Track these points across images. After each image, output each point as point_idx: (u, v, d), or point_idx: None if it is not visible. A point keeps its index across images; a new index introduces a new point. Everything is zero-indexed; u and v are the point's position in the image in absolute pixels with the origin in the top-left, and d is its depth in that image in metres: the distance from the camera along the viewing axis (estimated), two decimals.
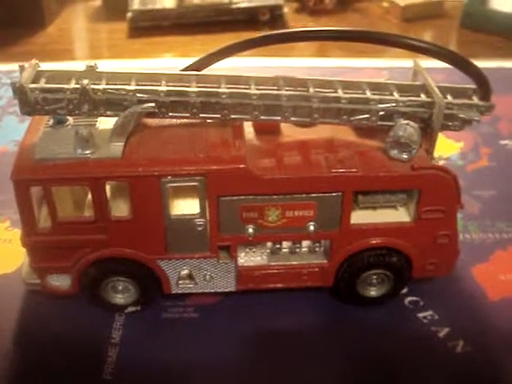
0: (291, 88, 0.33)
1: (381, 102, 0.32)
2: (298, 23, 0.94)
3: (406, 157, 0.32)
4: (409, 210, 0.34)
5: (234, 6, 0.91)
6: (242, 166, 0.30)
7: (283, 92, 0.31)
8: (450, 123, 0.33)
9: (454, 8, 0.96)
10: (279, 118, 0.32)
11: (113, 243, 0.32)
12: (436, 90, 0.32)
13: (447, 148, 0.53)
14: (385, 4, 0.99)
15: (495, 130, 0.61)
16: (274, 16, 0.92)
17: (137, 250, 0.33)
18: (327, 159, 0.32)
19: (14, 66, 0.72)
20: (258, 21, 0.91)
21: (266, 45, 0.35)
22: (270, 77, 0.33)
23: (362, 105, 0.32)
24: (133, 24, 0.93)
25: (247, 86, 0.32)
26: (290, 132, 0.34)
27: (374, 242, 0.34)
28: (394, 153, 0.32)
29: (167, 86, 0.31)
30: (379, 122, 0.32)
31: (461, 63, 0.33)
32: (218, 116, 0.31)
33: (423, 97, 0.33)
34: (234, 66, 0.78)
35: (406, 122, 0.31)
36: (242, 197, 0.31)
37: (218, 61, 0.35)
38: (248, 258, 0.35)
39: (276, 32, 0.35)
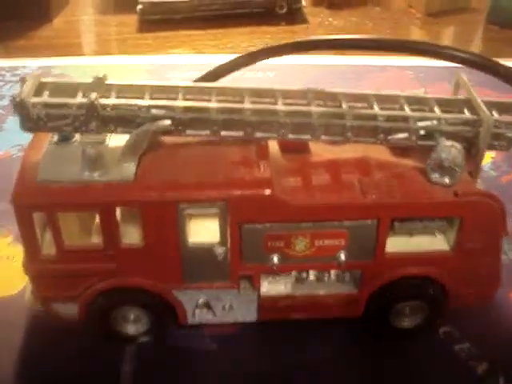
0: (322, 102, 0.30)
1: (421, 119, 0.29)
2: (316, 17, 0.91)
3: (448, 181, 0.29)
4: (448, 237, 0.31)
5: None
6: (267, 191, 0.28)
7: (313, 109, 0.29)
8: (497, 143, 0.31)
9: (481, 1, 0.93)
10: (309, 136, 0.29)
11: (123, 272, 0.30)
12: (482, 106, 0.30)
13: None
14: None
15: None
16: (292, 9, 0.89)
17: (149, 279, 0.31)
18: (361, 183, 0.29)
19: (17, 62, 0.70)
20: (274, 14, 0.88)
21: (296, 53, 0.33)
22: (298, 90, 0.30)
23: (401, 123, 0.29)
24: (143, 17, 0.90)
25: (273, 100, 0.30)
26: (319, 150, 0.32)
27: (410, 271, 0.32)
28: (435, 176, 0.29)
29: (185, 100, 0.29)
30: (419, 142, 0.30)
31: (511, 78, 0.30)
32: (241, 134, 0.29)
33: (467, 113, 0.30)
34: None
35: (449, 143, 0.28)
36: (267, 224, 0.29)
37: (239, 69, 0.32)
38: (271, 287, 0.32)
39: (310, 39, 0.32)
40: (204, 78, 0.33)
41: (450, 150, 0.29)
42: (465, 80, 0.32)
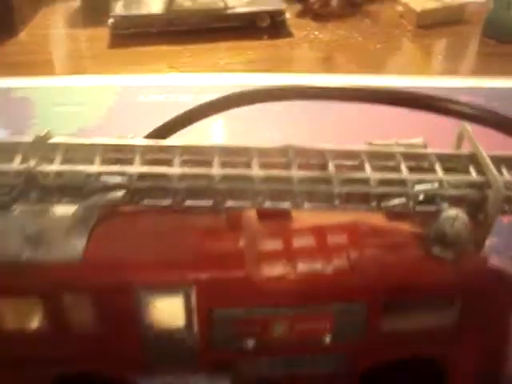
0: (304, 161, 0.26)
1: (420, 182, 0.26)
2: (302, 30, 0.88)
3: (451, 256, 0.25)
4: (450, 313, 0.27)
5: (230, 12, 0.84)
6: (239, 272, 0.24)
7: (294, 173, 0.25)
8: (508, 207, 0.27)
9: (477, 13, 0.90)
10: (289, 204, 0.25)
11: (74, 360, 0.27)
12: (490, 164, 0.26)
13: None
14: (399, 8, 0.92)
15: None
16: (275, 22, 0.85)
17: (104, 365, 0.27)
18: (350, 258, 0.26)
19: None
20: (256, 27, 0.84)
21: (274, 100, 0.29)
22: (277, 148, 0.27)
23: (397, 187, 0.26)
24: (115, 31, 0.86)
25: (248, 161, 0.26)
26: (302, 215, 0.27)
27: (404, 351, 0.28)
28: (436, 250, 0.25)
29: (142, 163, 0.25)
30: (418, 208, 0.26)
31: None
32: (209, 204, 0.25)
33: (473, 173, 0.27)
34: (221, 85, 0.71)
35: (453, 212, 0.25)
36: (241, 309, 0.26)
37: (198, 120, 0.29)
38: (246, 368, 0.28)
39: (294, 86, 0.28)
40: (159, 131, 0.29)
41: (454, 222, 0.25)
42: (469, 131, 0.28)
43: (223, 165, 0.26)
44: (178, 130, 0.29)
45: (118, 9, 0.91)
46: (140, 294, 0.25)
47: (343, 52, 0.88)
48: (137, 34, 0.89)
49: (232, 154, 0.27)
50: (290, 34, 0.90)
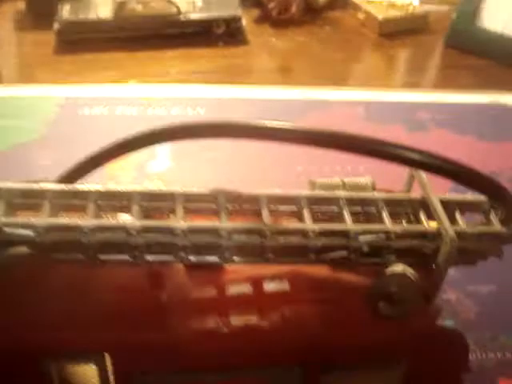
0: (236, 208, 0.24)
1: (364, 232, 0.23)
2: (259, 37, 0.85)
3: (397, 314, 0.23)
4: (394, 376, 0.25)
5: (184, 18, 0.82)
6: (159, 335, 0.22)
7: (223, 223, 0.23)
8: (461, 258, 0.25)
9: (439, 22, 0.89)
10: (217, 259, 0.23)
11: None
12: (441, 212, 0.24)
13: None
14: (360, 16, 0.91)
15: None
16: (231, 29, 0.83)
17: None
18: (284, 316, 0.23)
19: None
20: (211, 34, 0.82)
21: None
22: (205, 193, 0.24)
23: (338, 238, 0.23)
24: (61, 37, 0.83)
25: (171, 207, 0.23)
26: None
27: None
28: (381, 307, 0.23)
29: (51, 213, 0.22)
30: (362, 260, 0.24)
31: (491, 190, 0.24)
32: (126, 258, 0.22)
33: (424, 221, 0.24)
34: (169, 97, 0.69)
35: (399, 268, 0.23)
36: (163, 375, 0.23)
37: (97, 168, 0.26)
38: None
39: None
40: (72, 173, 0.27)
41: (400, 279, 0.23)
42: (421, 175, 0.26)
43: (143, 212, 0.23)
44: (90, 171, 0.27)
45: (65, 13, 0.87)
46: (47, 362, 0.22)
47: (301, 61, 0.86)
48: (84, 40, 0.86)
49: (154, 200, 0.24)
50: (246, 42, 0.87)
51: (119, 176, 0.54)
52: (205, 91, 0.70)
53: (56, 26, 0.86)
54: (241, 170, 0.56)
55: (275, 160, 0.55)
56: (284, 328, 0.25)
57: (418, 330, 0.25)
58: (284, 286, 0.26)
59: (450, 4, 0.91)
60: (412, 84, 0.81)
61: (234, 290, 0.26)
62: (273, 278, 0.26)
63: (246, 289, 0.26)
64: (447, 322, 0.40)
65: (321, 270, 0.27)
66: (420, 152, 0.25)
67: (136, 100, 0.68)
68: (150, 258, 0.24)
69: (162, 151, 0.58)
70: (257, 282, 0.26)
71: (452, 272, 0.43)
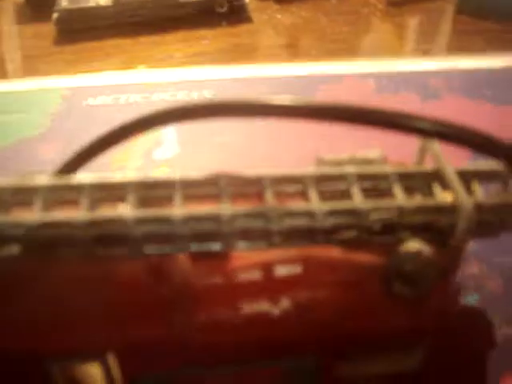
0: (239, 191, 0.23)
1: (376, 210, 0.22)
2: (263, 14, 0.84)
3: (414, 295, 0.22)
4: (413, 359, 0.24)
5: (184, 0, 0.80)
6: (165, 331, 0.21)
7: (224, 210, 0.21)
8: (481, 230, 0.24)
9: None
10: (219, 246, 0.22)
11: None
12: (458, 184, 0.23)
13: None
14: None
15: None
16: (233, 7, 0.81)
17: None
18: (296, 303, 0.22)
19: None
20: (214, 14, 0.80)
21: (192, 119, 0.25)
22: (205, 178, 0.23)
23: (347, 217, 0.22)
24: (60, 26, 0.82)
25: (168, 196, 0.22)
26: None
27: None
28: (397, 288, 0.22)
29: (44, 207, 0.21)
30: (374, 239, 0.23)
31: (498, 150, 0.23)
32: (124, 252, 0.21)
33: (438, 195, 0.23)
34: (175, 81, 0.68)
35: (414, 246, 0.21)
36: (172, 373, 0.22)
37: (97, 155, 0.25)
38: None
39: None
40: (69, 165, 0.26)
41: (415, 258, 0.21)
42: (434, 145, 0.25)
43: (140, 203, 0.22)
44: (87, 161, 0.26)
45: (63, 2, 0.86)
46: (50, 364, 0.21)
47: (308, 36, 0.84)
48: (84, 29, 0.84)
49: (151, 188, 0.23)
50: (250, 20, 0.86)
51: (125, 165, 0.53)
52: (210, 73, 0.69)
53: (55, 15, 0.84)
54: (252, 154, 0.54)
55: (287, 141, 0.54)
56: (297, 315, 0.24)
57: (438, 310, 0.23)
58: (295, 270, 0.25)
59: None
60: (423, 52, 0.79)
61: (242, 277, 0.25)
62: (282, 262, 0.25)
63: (254, 275, 0.25)
64: (472, 297, 0.39)
65: (333, 251, 0.25)
66: (436, 121, 0.23)
67: (140, 86, 0.67)
68: (148, 249, 0.23)
69: (169, 137, 0.57)
70: (266, 268, 0.25)
71: (475, 244, 0.42)
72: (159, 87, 0.66)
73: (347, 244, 0.24)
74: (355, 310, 0.23)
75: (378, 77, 0.65)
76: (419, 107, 0.61)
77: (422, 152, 0.27)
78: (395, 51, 0.81)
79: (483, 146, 0.24)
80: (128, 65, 0.76)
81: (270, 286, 0.25)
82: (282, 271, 0.25)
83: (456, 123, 0.24)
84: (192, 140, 0.55)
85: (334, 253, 0.25)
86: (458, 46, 0.80)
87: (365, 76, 0.66)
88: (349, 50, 0.76)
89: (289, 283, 0.25)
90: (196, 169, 0.49)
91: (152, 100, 0.64)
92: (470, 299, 0.38)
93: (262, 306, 0.24)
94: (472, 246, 0.40)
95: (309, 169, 0.24)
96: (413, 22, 0.84)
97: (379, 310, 0.23)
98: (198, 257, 0.25)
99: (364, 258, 0.25)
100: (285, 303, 0.24)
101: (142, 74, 0.70)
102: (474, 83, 0.68)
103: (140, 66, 0.75)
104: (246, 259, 0.25)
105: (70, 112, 0.64)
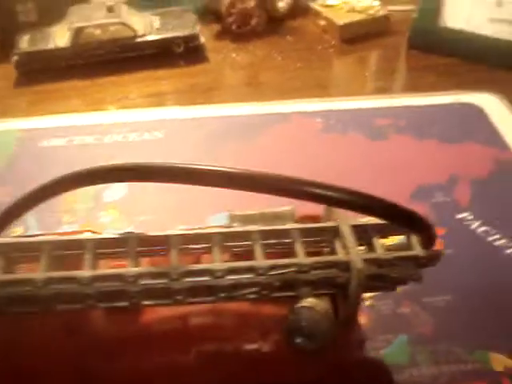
0: (144, 250, 0.24)
1: (275, 267, 0.24)
2: (219, 53, 0.85)
3: (313, 346, 0.23)
4: None
5: (141, 40, 0.82)
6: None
7: (128, 270, 0.23)
8: (378, 284, 0.25)
9: (402, 21, 0.88)
10: (126, 303, 0.23)
11: None
12: (351, 240, 0.24)
13: None
14: (321, 22, 0.90)
15: (451, 197, 0.53)
16: (190, 47, 0.83)
17: None
18: (204, 352, 0.23)
19: None
20: (172, 54, 0.82)
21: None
22: (115, 237, 0.24)
23: (248, 274, 0.23)
24: (20, 69, 0.83)
25: (80, 255, 0.23)
26: None
27: None
28: (296, 341, 0.23)
29: None
30: (274, 294, 0.24)
31: (392, 215, 0.24)
32: (35, 309, 0.23)
33: (339, 250, 0.24)
34: (129, 122, 0.69)
35: (309, 302, 0.23)
36: None
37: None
38: None
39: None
40: None
41: (310, 313, 0.23)
42: None
43: (50, 262, 0.23)
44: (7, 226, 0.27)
45: (23, 44, 0.87)
46: None
47: (264, 74, 0.86)
48: (44, 70, 0.86)
49: (63, 248, 0.24)
50: (206, 59, 0.87)
51: (75, 208, 0.54)
52: (164, 113, 0.70)
53: (15, 58, 0.86)
54: (192, 193, 0.56)
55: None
56: (205, 365, 0.25)
57: (338, 362, 0.25)
58: (205, 322, 0.26)
59: (412, 4, 0.91)
60: (376, 89, 0.81)
61: (155, 329, 0.26)
62: (193, 315, 0.26)
63: (167, 327, 0.26)
64: (401, 338, 0.40)
65: (242, 305, 0.27)
66: (327, 187, 0.25)
67: (94, 128, 0.68)
68: (60, 307, 0.24)
69: None
70: (178, 320, 0.26)
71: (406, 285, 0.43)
72: (113, 128, 0.67)
73: (250, 300, 0.25)
74: (259, 361, 0.25)
75: (326, 116, 0.67)
76: (365, 147, 0.63)
77: (328, 207, 0.28)
78: (346, 88, 0.83)
79: (378, 212, 0.26)
80: (85, 106, 0.77)
81: (181, 338, 0.26)
82: (193, 323, 0.26)
83: (351, 189, 0.25)
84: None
85: (245, 307, 0.27)
86: (409, 83, 0.82)
87: (313, 114, 0.68)
88: (301, 89, 0.78)
89: (199, 335, 0.26)
90: (142, 209, 0.50)
91: (104, 142, 0.65)
92: (400, 340, 0.39)
93: (173, 357, 0.25)
94: (403, 286, 0.41)
95: (215, 227, 0.26)
96: (365, 58, 0.86)
97: (282, 363, 0.25)
98: (112, 311, 0.26)
99: (272, 312, 0.26)
100: (194, 354, 0.25)
101: (95, 116, 0.71)
102: (422, 121, 0.69)
103: (96, 107, 0.76)
104: (160, 312, 0.27)
105: (24, 154, 0.65)
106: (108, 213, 0.54)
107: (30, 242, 0.25)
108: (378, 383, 0.25)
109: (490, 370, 0.37)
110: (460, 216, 0.51)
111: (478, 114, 0.68)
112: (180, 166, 0.25)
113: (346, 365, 0.25)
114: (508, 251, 0.46)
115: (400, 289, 0.38)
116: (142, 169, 0.24)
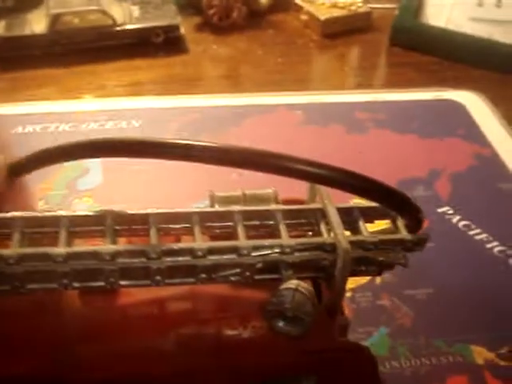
0: (123, 229, 0.23)
1: (257, 248, 0.23)
2: (200, 45, 0.84)
3: (296, 331, 0.22)
4: None
5: (120, 29, 0.80)
6: (47, 365, 0.21)
7: (105, 248, 0.22)
8: (364, 268, 0.24)
9: (384, 18, 0.88)
10: (102, 283, 0.22)
11: None
12: (337, 222, 0.23)
13: None
14: (303, 17, 0.90)
15: (432, 192, 0.52)
16: (170, 38, 0.82)
17: None
18: (183, 335, 0.23)
19: None
20: (150, 44, 0.80)
21: None
22: (92, 215, 0.23)
23: (229, 255, 0.23)
24: None
25: (55, 232, 0.22)
26: None
27: None
28: (279, 325, 0.23)
29: None
30: (257, 277, 0.23)
31: (377, 193, 0.24)
32: (7, 288, 0.22)
33: (324, 232, 0.24)
34: (106, 110, 0.68)
35: (293, 284, 0.22)
36: None
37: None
38: None
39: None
40: None
41: (294, 295, 0.22)
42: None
43: (23, 239, 0.22)
44: None
45: (0, 30, 0.86)
46: None
47: (244, 67, 0.85)
48: (21, 57, 0.84)
49: (38, 226, 0.23)
50: (186, 50, 0.86)
51: (49, 194, 0.53)
52: (141, 103, 0.69)
53: None
54: (168, 182, 0.55)
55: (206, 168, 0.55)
56: (184, 349, 0.24)
57: (321, 346, 0.24)
58: (184, 306, 0.25)
59: (394, 1, 0.91)
60: (356, 84, 0.80)
61: (132, 312, 0.25)
62: (172, 298, 0.26)
63: (145, 311, 0.25)
64: (382, 330, 0.39)
65: (222, 288, 0.26)
66: (310, 163, 0.24)
67: (70, 115, 0.67)
68: (31, 286, 0.23)
69: (94, 166, 0.56)
70: (156, 303, 0.25)
71: (388, 276, 0.43)
72: (89, 116, 0.66)
73: (232, 282, 0.24)
74: (239, 345, 0.24)
75: (307, 109, 0.66)
76: (344, 140, 0.62)
77: (312, 189, 0.27)
78: (327, 82, 0.83)
79: (364, 191, 0.25)
80: (60, 94, 0.76)
81: (159, 321, 0.25)
82: (171, 306, 0.25)
83: (339, 167, 0.24)
84: (114, 169, 0.55)
85: (225, 289, 0.26)
86: (389, 79, 0.81)
87: (294, 107, 0.67)
88: (281, 82, 0.77)
89: (178, 318, 0.25)
90: (117, 197, 0.49)
91: (81, 130, 0.64)
92: (380, 332, 0.39)
93: (151, 340, 0.24)
94: (385, 278, 0.40)
95: (195, 207, 0.25)
96: (346, 54, 0.86)
97: (263, 346, 0.24)
98: (88, 292, 0.25)
99: (253, 295, 0.26)
100: (173, 337, 0.24)
101: (71, 104, 0.70)
102: (402, 116, 0.69)
103: (72, 95, 0.75)
104: (138, 295, 0.26)
105: None
106: (82, 201, 0.53)
107: (2, 219, 0.24)
108: (361, 369, 0.24)
109: (470, 363, 0.37)
110: (441, 210, 0.50)
111: (458, 110, 0.68)
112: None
113: (328, 350, 0.24)
114: (488, 245, 0.46)
115: (380, 280, 0.37)
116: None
